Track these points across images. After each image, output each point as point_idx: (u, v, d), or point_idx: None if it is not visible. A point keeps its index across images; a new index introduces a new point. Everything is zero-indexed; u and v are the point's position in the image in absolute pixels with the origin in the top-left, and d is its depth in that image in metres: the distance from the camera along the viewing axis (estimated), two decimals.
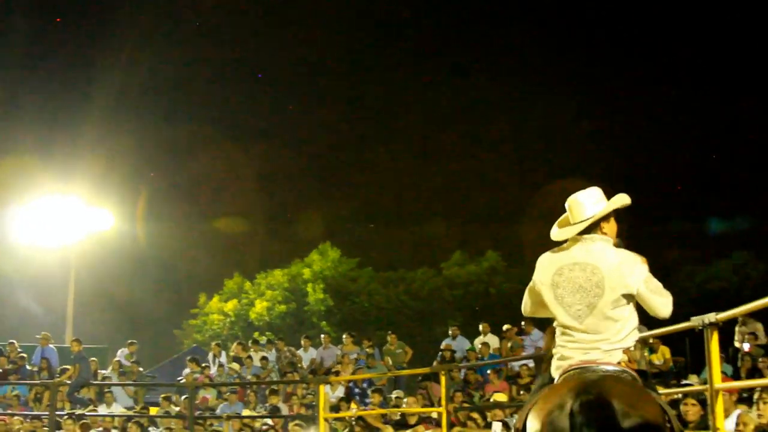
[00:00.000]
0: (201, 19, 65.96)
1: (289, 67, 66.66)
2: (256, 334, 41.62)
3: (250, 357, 21.23)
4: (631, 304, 5.47)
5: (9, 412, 18.62)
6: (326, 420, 14.30)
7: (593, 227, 5.57)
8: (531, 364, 17.74)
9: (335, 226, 56.38)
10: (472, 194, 58.06)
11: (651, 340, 16.71)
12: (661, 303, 5.52)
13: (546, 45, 59.47)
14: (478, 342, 19.99)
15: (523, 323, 19.65)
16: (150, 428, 17.28)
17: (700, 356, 8.47)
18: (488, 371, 18.23)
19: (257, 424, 16.25)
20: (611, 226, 5.65)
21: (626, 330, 5.44)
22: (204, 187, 60.69)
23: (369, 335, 25.19)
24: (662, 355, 16.97)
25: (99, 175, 42.45)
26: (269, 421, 16.48)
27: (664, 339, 16.89)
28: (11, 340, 23.32)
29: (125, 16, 64.29)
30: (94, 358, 22.05)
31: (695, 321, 7.92)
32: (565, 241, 5.67)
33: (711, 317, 7.76)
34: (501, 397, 16.08)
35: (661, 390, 10.71)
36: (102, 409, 18.70)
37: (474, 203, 57.31)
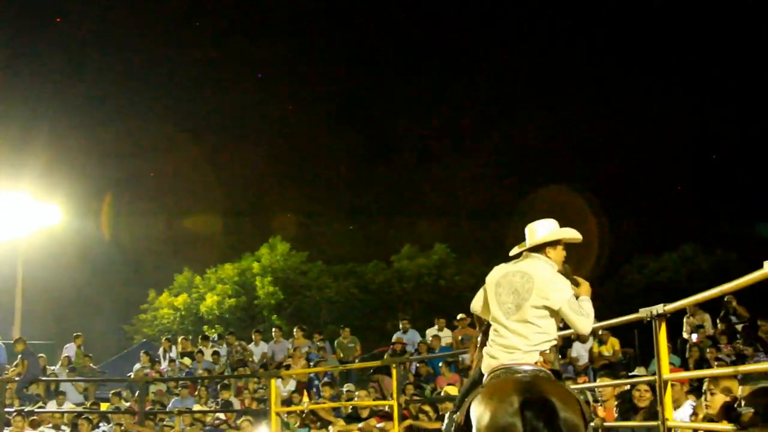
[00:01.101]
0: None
1: (247, 58, 66.41)
2: (206, 329, 41.58)
3: (201, 351, 21.18)
4: (553, 320, 6.57)
5: None
6: (278, 414, 14.33)
7: (540, 249, 6.80)
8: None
9: (285, 220, 56.30)
10: (421, 188, 58.30)
11: (600, 332, 16.89)
12: (580, 321, 6.58)
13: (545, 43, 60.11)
14: (429, 334, 20.04)
15: None
16: (101, 424, 17.19)
17: (649, 347, 8.58)
18: (440, 364, 18.27)
19: (208, 419, 16.21)
20: (557, 253, 6.87)
21: (544, 338, 6.51)
22: (153, 183, 60.38)
23: (320, 329, 25.22)
24: (611, 347, 17.14)
25: (47, 171, 42.06)
26: (221, 416, 16.45)
27: (614, 330, 17.07)
28: None
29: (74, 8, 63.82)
30: (42, 354, 21.90)
31: (644, 312, 8.01)
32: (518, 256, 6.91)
33: (659, 308, 7.86)
34: (453, 390, 16.11)
35: (611, 381, 10.94)
36: (51, 406, 18.56)
37: (423, 197, 57.55)
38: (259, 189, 63.16)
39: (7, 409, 17.21)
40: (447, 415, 7.68)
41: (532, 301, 6.43)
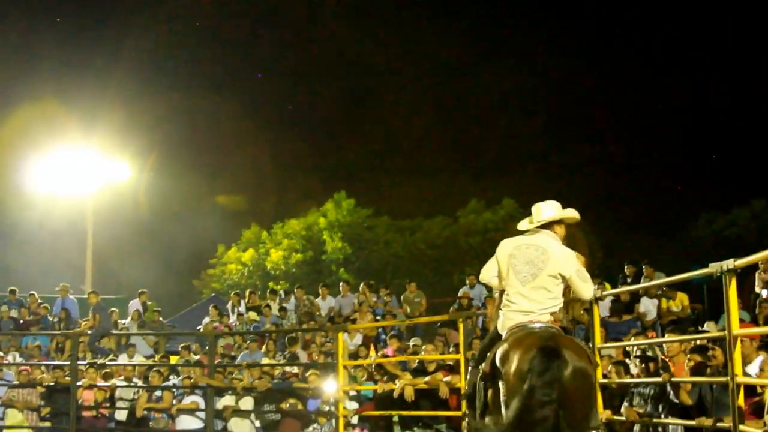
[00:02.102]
0: None
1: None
2: (272, 284, 41.80)
3: (268, 306, 21.29)
4: (562, 286, 7.64)
5: (31, 362, 18.77)
6: (345, 367, 14.37)
7: (548, 226, 7.90)
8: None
9: (351, 175, 56.33)
10: (488, 142, 57.93)
11: (664, 288, 16.70)
12: (585, 288, 7.86)
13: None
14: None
15: None
16: (171, 377, 17.39)
17: (719, 303, 8.48)
18: None
19: (276, 372, 16.32)
20: (561, 230, 8.02)
21: (555, 302, 7.60)
22: (221, 139, 60.70)
23: (386, 283, 25.22)
24: (680, 302, 16.90)
25: (117, 128, 42.46)
26: (289, 369, 16.55)
27: (682, 286, 16.85)
28: (31, 292, 23.49)
29: None
30: (114, 309, 22.19)
31: (714, 267, 7.91)
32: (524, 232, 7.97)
33: (729, 263, 7.75)
34: None
35: (679, 337, 10.85)
36: (122, 359, 18.82)
37: (490, 151, 57.19)
38: (326, 144, 63.27)
39: (79, 362, 17.47)
40: (470, 370, 8.30)
41: (547, 271, 7.52)
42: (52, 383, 17.28)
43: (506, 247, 7.82)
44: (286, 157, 60.54)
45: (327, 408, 14.60)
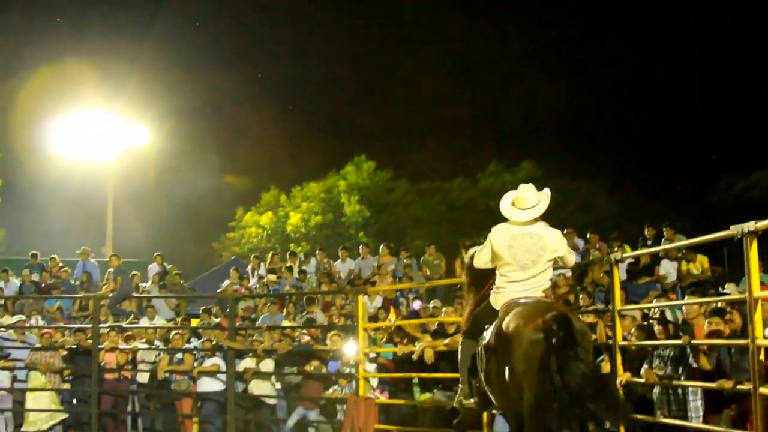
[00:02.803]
0: None
1: None
2: (293, 246, 41.86)
3: (289, 268, 21.33)
4: (551, 263, 8.54)
5: (53, 325, 18.89)
6: (365, 330, 14.40)
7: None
8: (569, 273, 17.66)
9: (370, 138, 56.22)
10: (507, 105, 57.66)
11: (684, 251, 16.63)
12: (572, 259, 9.00)
13: None
14: None
15: (565, 230, 19.53)
16: (192, 339, 17.48)
17: (739, 266, 8.46)
18: None
19: (297, 334, 16.38)
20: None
21: (547, 279, 8.55)
22: (240, 104, 60.69)
23: (406, 246, 25.22)
24: (700, 265, 16.81)
25: (138, 93, 42.45)
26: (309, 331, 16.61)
27: (702, 248, 16.75)
28: (52, 256, 23.62)
29: None
30: (135, 272, 22.30)
31: (734, 229, 7.89)
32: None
33: (750, 226, 7.74)
34: None
35: (699, 299, 10.87)
36: (144, 322, 18.93)
37: (510, 114, 56.94)
38: (345, 107, 63.16)
39: (101, 325, 17.59)
40: (463, 341, 9.20)
41: (546, 257, 8.39)
42: (74, 346, 17.39)
43: (502, 236, 8.50)
44: (305, 121, 60.51)
45: (347, 370, 14.66)
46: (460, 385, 9.10)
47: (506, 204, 8.72)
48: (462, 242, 10.18)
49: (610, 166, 49.86)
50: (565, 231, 19.21)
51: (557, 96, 55.18)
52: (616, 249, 16.56)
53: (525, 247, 8.34)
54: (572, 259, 8.91)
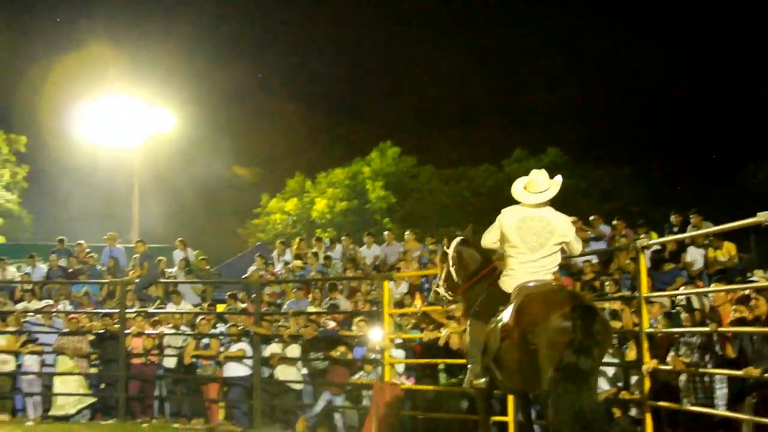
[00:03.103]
0: None
1: None
2: (318, 231, 41.90)
3: (314, 254, 21.37)
4: (560, 247, 8.69)
5: (81, 310, 18.99)
6: (391, 315, 14.41)
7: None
8: (595, 259, 17.63)
9: (395, 125, 56.17)
10: (532, 91, 57.48)
11: (711, 238, 16.56)
12: (578, 247, 8.97)
13: None
14: None
15: (591, 217, 19.47)
16: (218, 324, 17.55)
17: (766, 252, 8.44)
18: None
19: (322, 320, 16.42)
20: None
21: (556, 263, 8.73)
22: (265, 92, 60.71)
23: (431, 232, 25.22)
24: (727, 252, 16.71)
25: (164, 78, 42.53)
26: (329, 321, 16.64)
27: (729, 235, 16.65)
28: (79, 241, 23.74)
29: None
30: (161, 257, 22.38)
31: (762, 216, 7.87)
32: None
33: None
34: None
35: (726, 286, 10.82)
36: (170, 307, 19.00)
37: (534, 100, 56.76)
38: (369, 93, 63.11)
39: (127, 310, 17.69)
40: (472, 322, 9.16)
41: (553, 240, 8.56)
42: (102, 331, 17.51)
43: (511, 218, 8.67)
44: (331, 108, 60.53)
45: (373, 356, 14.69)
46: (469, 366, 9.06)
47: (518, 187, 8.89)
48: (448, 234, 10.64)
49: (636, 152, 49.71)
50: (591, 218, 19.28)
51: (583, 82, 55.05)
52: (642, 236, 16.48)
53: (533, 230, 8.57)
54: (579, 247, 9.01)
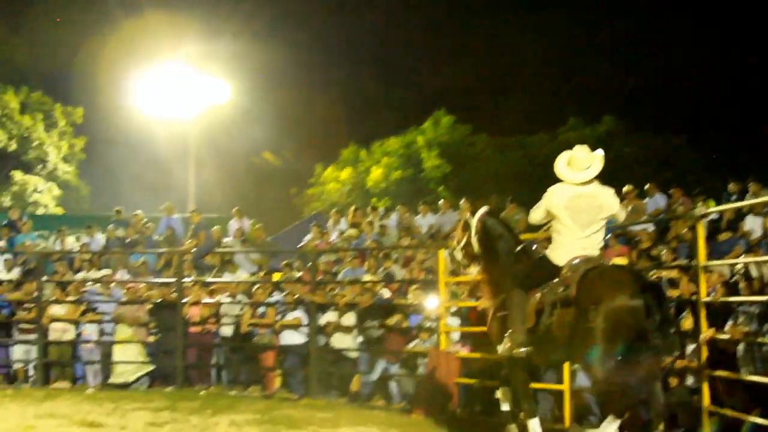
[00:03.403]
0: None
1: None
2: (374, 200, 41.91)
3: (369, 223, 21.38)
4: (605, 221, 9.00)
5: (138, 279, 19.18)
6: (446, 284, 14.40)
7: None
8: (651, 228, 17.46)
9: (450, 93, 55.85)
10: (587, 59, 56.87)
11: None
12: (623, 215, 9.37)
13: None
14: None
15: (647, 186, 19.30)
16: (274, 293, 17.65)
17: None
18: (608, 236, 17.93)
19: (378, 288, 16.44)
20: None
21: (602, 238, 9.05)
22: (318, 60, 60.67)
23: (486, 201, 25.10)
24: None
25: (219, 48, 42.56)
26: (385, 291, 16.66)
27: None
28: (137, 211, 23.93)
29: None
30: (216, 227, 22.51)
31: None
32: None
33: None
34: (621, 261, 15.85)
35: None
36: (226, 276, 19.13)
37: (589, 67, 56.16)
38: (424, 61, 62.88)
39: (184, 279, 17.84)
40: (514, 294, 9.16)
41: (603, 215, 8.90)
42: (159, 300, 17.68)
43: (558, 197, 8.97)
44: (385, 77, 60.35)
45: (428, 324, 14.70)
46: (508, 335, 9.10)
47: (561, 165, 9.23)
48: (492, 200, 11.24)
49: (693, 119, 49.06)
50: (646, 186, 19.11)
51: (638, 49, 54.35)
52: (699, 204, 16.30)
53: (582, 207, 8.85)
54: (623, 215, 9.39)
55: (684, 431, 10.50)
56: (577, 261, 8.72)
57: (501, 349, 9.27)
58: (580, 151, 9.18)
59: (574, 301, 8.26)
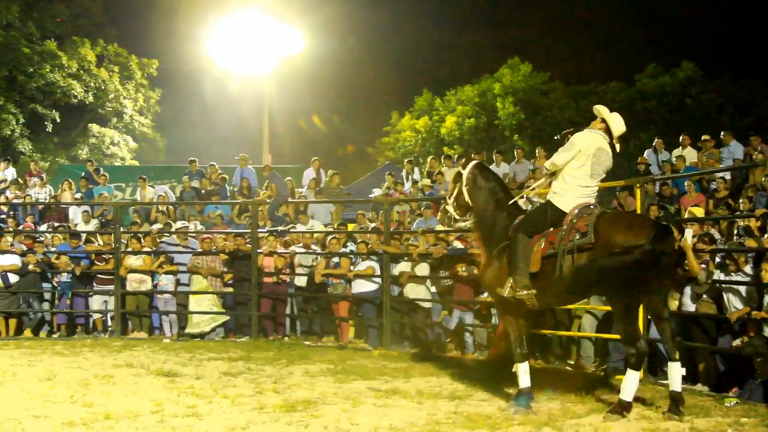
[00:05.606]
0: None
1: None
2: (446, 149, 41.71)
3: (441, 173, 21.27)
4: None
5: (214, 230, 19.33)
6: None
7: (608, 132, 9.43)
8: (728, 176, 17.14)
9: (525, 41, 55.25)
10: (664, 4, 55.79)
11: None
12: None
13: None
14: (674, 155, 19.43)
15: (722, 133, 18.96)
16: (348, 243, 17.67)
17: None
18: (685, 183, 17.70)
19: (451, 238, 16.36)
20: None
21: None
22: (391, 10, 60.34)
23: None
24: None
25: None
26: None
27: None
28: (212, 163, 24.12)
29: None
30: (290, 178, 22.57)
31: None
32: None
33: None
34: (698, 211, 15.61)
35: None
36: (301, 227, 19.19)
37: (667, 13, 55.10)
38: (499, 9, 62.25)
39: (259, 230, 17.93)
40: (518, 237, 9.34)
41: (606, 168, 9.32)
42: (234, 250, 17.80)
43: (590, 145, 9.23)
44: (460, 24, 59.88)
45: None
46: (513, 277, 9.26)
47: (608, 112, 9.51)
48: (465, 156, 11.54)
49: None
50: (722, 134, 18.79)
51: None
52: None
53: (601, 159, 9.22)
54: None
55: (761, 382, 10.32)
56: (580, 209, 9.12)
57: (503, 292, 9.37)
58: (605, 109, 9.56)
59: (594, 247, 8.63)
